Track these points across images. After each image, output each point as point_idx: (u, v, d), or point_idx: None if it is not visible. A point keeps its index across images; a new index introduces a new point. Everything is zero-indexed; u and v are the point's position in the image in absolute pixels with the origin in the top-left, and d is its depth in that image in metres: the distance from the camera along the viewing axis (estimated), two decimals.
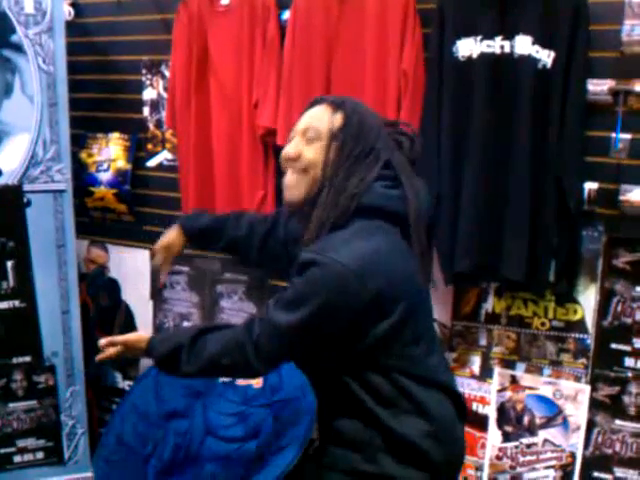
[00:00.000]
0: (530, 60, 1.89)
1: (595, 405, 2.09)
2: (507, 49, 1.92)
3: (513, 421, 2.21)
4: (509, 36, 1.91)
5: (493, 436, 2.24)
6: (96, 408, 2.84)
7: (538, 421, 2.17)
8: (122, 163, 2.68)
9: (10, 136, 2.33)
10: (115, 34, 2.64)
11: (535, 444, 2.18)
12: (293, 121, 1.58)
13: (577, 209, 1.95)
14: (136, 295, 2.80)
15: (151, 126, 2.66)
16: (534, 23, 1.89)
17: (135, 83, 2.65)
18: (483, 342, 2.24)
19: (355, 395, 1.43)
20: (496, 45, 1.92)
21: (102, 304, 2.86)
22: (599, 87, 1.91)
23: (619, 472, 2.08)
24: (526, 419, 2.19)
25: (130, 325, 2.81)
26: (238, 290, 2.61)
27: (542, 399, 2.17)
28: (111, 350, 1.65)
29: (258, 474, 2.02)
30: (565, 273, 2.04)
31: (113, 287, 2.84)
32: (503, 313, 2.19)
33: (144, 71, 2.62)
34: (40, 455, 2.48)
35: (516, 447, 2.21)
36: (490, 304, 2.21)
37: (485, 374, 2.24)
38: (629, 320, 2.04)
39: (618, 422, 2.07)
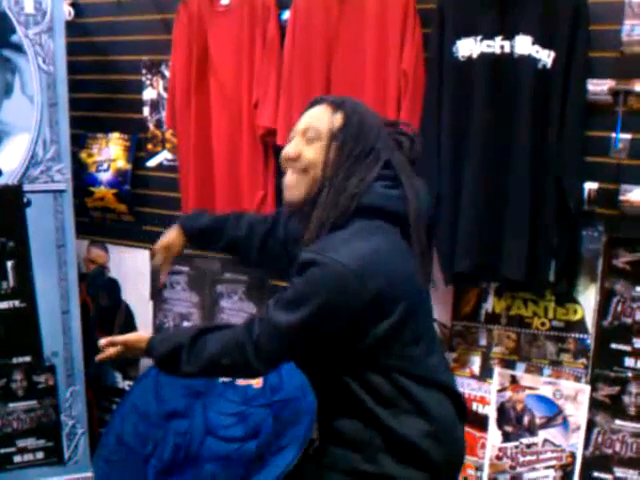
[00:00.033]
0: (530, 60, 1.89)
1: (595, 405, 2.09)
2: (507, 49, 1.92)
3: (513, 421, 2.21)
4: (509, 36, 1.91)
5: (493, 436, 2.24)
6: (96, 408, 2.84)
7: (538, 421, 2.17)
8: (122, 163, 2.68)
9: (10, 136, 2.33)
10: (115, 34, 2.64)
11: (535, 444, 2.18)
12: (293, 121, 1.58)
13: (577, 209, 1.95)
14: (136, 295, 2.80)
15: (151, 126, 2.66)
16: (534, 23, 1.89)
17: (135, 83, 2.65)
18: (483, 342, 2.24)
19: (355, 395, 1.43)
20: (496, 45, 1.92)
21: (102, 304, 2.86)
22: (599, 87, 1.91)
23: (619, 472, 2.08)
24: (526, 419, 2.19)
25: (130, 325, 2.81)
26: (238, 290, 2.61)
27: (542, 399, 2.17)
28: (111, 350, 1.65)
29: (258, 474, 2.01)
30: (565, 273, 2.04)
31: (113, 287, 2.84)
32: (503, 313, 2.19)
33: (144, 71, 2.62)
34: (40, 455, 2.48)
35: (516, 447, 2.20)
36: (490, 304, 2.21)
37: (485, 374, 2.24)
38: (629, 320, 2.04)
39: (618, 422, 2.07)
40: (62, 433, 2.49)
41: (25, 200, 2.33)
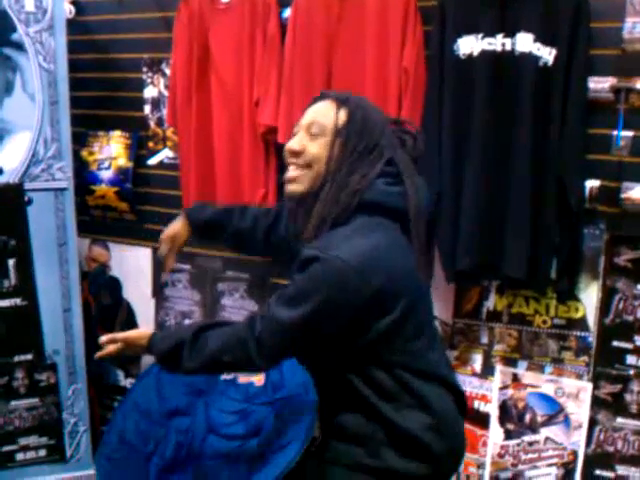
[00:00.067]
0: (531, 58, 1.89)
1: (597, 403, 2.09)
2: (508, 47, 1.91)
3: (515, 419, 2.21)
4: (510, 34, 1.91)
5: (495, 434, 2.24)
6: (98, 406, 2.84)
7: (540, 419, 2.17)
8: (123, 161, 2.68)
9: (11, 134, 2.33)
10: (116, 32, 2.64)
11: (537, 442, 2.18)
12: (294, 119, 1.58)
13: (578, 207, 1.95)
14: (138, 293, 2.81)
15: (152, 124, 2.65)
16: (535, 21, 1.88)
17: (136, 81, 2.64)
18: (485, 340, 2.24)
19: (357, 390, 1.44)
20: (497, 43, 1.92)
21: (104, 302, 2.86)
22: (600, 85, 1.90)
23: (621, 470, 2.08)
24: (528, 417, 2.19)
25: (131, 323, 2.82)
26: (239, 288, 2.61)
27: (544, 397, 2.17)
28: (112, 347, 1.65)
29: (260, 472, 2.01)
30: (567, 271, 2.03)
31: (114, 285, 2.85)
32: (504, 311, 2.19)
33: (145, 69, 2.62)
34: (42, 453, 2.48)
35: (518, 445, 2.21)
36: (491, 302, 2.21)
37: (487, 372, 2.24)
38: (631, 318, 2.03)
39: (620, 420, 2.07)
40: (64, 431, 2.50)
41: (26, 198, 2.33)
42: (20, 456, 2.45)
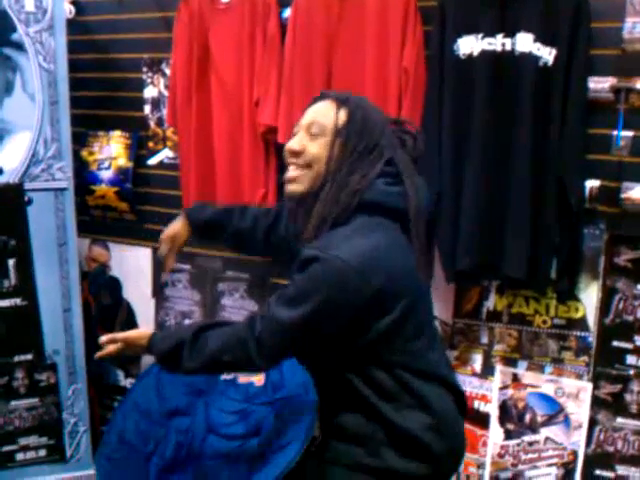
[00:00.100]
0: (531, 58, 1.89)
1: (597, 403, 2.09)
2: (508, 47, 1.91)
3: (515, 419, 2.21)
4: (510, 34, 1.91)
5: (495, 434, 2.24)
6: (98, 406, 2.84)
7: (540, 419, 2.17)
8: (123, 161, 2.68)
9: (11, 134, 2.32)
10: (116, 32, 2.64)
11: (537, 442, 2.18)
12: (294, 119, 1.58)
13: (578, 207, 1.95)
14: (138, 293, 2.81)
15: (152, 124, 2.65)
16: (535, 21, 1.88)
17: (136, 81, 2.64)
18: (484, 340, 2.24)
19: (357, 390, 1.44)
20: (497, 43, 1.92)
21: (104, 302, 2.86)
22: (600, 85, 1.90)
23: (621, 470, 2.08)
24: (528, 417, 2.19)
25: (131, 323, 2.82)
26: (239, 288, 2.61)
27: (544, 397, 2.17)
28: (112, 347, 1.65)
29: (260, 472, 2.01)
30: (567, 271, 2.03)
31: (114, 285, 2.85)
32: (504, 311, 2.19)
33: (145, 69, 2.62)
34: (42, 453, 2.48)
35: (518, 445, 2.21)
36: (491, 302, 2.21)
37: (487, 372, 2.24)
38: (631, 318, 2.03)
39: (620, 420, 2.07)
40: (64, 431, 2.50)
41: (26, 198, 2.33)
42: (20, 456, 2.45)
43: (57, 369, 2.45)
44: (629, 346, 2.04)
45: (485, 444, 2.25)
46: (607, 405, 2.08)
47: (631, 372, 2.04)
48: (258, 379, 2.33)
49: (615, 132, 1.92)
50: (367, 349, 1.42)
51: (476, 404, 2.26)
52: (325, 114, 1.48)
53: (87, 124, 2.73)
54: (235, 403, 2.30)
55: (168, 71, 2.53)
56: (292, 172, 1.50)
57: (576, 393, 2.12)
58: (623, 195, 1.91)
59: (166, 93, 2.55)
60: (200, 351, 1.50)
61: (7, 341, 2.38)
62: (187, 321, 2.71)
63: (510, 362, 2.21)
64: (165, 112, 2.55)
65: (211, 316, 2.66)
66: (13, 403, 2.43)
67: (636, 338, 2.03)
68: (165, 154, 2.65)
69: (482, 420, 2.25)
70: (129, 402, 2.42)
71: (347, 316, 1.37)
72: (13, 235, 2.32)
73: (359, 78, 2.09)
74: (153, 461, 2.21)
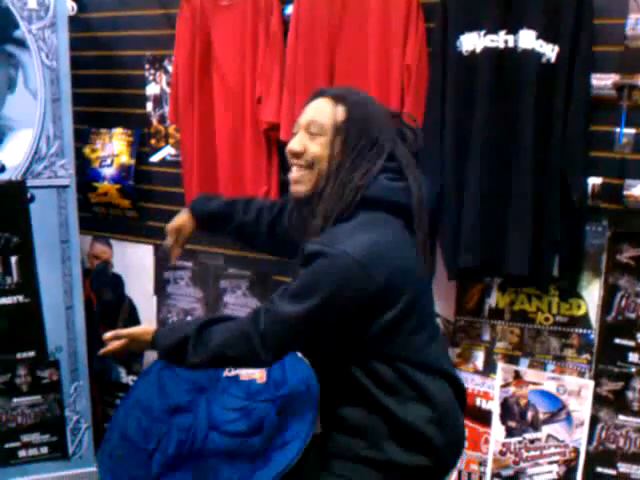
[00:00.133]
0: (534, 54, 1.89)
1: (599, 400, 2.09)
2: (511, 43, 1.91)
3: (517, 416, 2.21)
4: (513, 30, 1.90)
5: (497, 431, 2.24)
6: (100, 403, 2.84)
7: (542, 416, 2.17)
8: (125, 158, 2.68)
9: (13, 131, 2.33)
10: (118, 29, 2.64)
11: (539, 439, 2.18)
12: (296, 116, 1.58)
13: (581, 204, 1.94)
14: (140, 290, 2.81)
15: (154, 121, 2.65)
16: (538, 17, 1.88)
17: (138, 78, 2.64)
18: (486, 337, 2.23)
19: (359, 383, 1.45)
20: (500, 39, 1.92)
21: (106, 299, 2.86)
22: (603, 82, 1.90)
23: (623, 467, 2.08)
24: (530, 414, 2.19)
25: (134, 320, 2.82)
26: (242, 285, 2.61)
27: (546, 394, 2.17)
28: (116, 344, 1.66)
29: (261, 469, 2.02)
30: (569, 268, 2.03)
31: (117, 282, 2.85)
32: (506, 308, 2.19)
33: (147, 66, 2.62)
34: (44, 450, 2.49)
35: (520, 442, 2.20)
36: (493, 299, 2.21)
37: (488, 369, 2.24)
38: (633, 315, 2.03)
39: (622, 417, 2.07)
40: (66, 428, 2.50)
41: (29, 195, 2.34)
42: (22, 453, 2.46)
43: (59, 366, 2.46)
44: (631, 344, 2.04)
45: (487, 442, 2.25)
46: (609, 403, 2.08)
47: (633, 370, 2.04)
48: (260, 376, 2.33)
49: (618, 129, 1.92)
50: (370, 342, 1.42)
51: (478, 402, 2.25)
52: (323, 112, 1.49)
53: (89, 121, 2.73)
54: (237, 400, 2.30)
55: (170, 68, 2.53)
56: (296, 173, 1.50)
57: (578, 391, 2.12)
58: (626, 192, 1.91)
59: (168, 90, 2.55)
60: (204, 346, 1.51)
61: (9, 338, 2.38)
62: (189, 318, 2.71)
63: (512, 360, 2.21)
64: (167, 109, 2.55)
65: (213, 313, 2.65)
66: (15, 400, 2.43)
67: (638, 336, 2.03)
68: (167, 151, 2.66)
69: (484, 418, 2.25)
70: (131, 399, 2.42)
71: (351, 310, 1.38)
72: (15, 232, 2.32)
73: (362, 75, 2.09)
74: (155, 458, 2.21)
